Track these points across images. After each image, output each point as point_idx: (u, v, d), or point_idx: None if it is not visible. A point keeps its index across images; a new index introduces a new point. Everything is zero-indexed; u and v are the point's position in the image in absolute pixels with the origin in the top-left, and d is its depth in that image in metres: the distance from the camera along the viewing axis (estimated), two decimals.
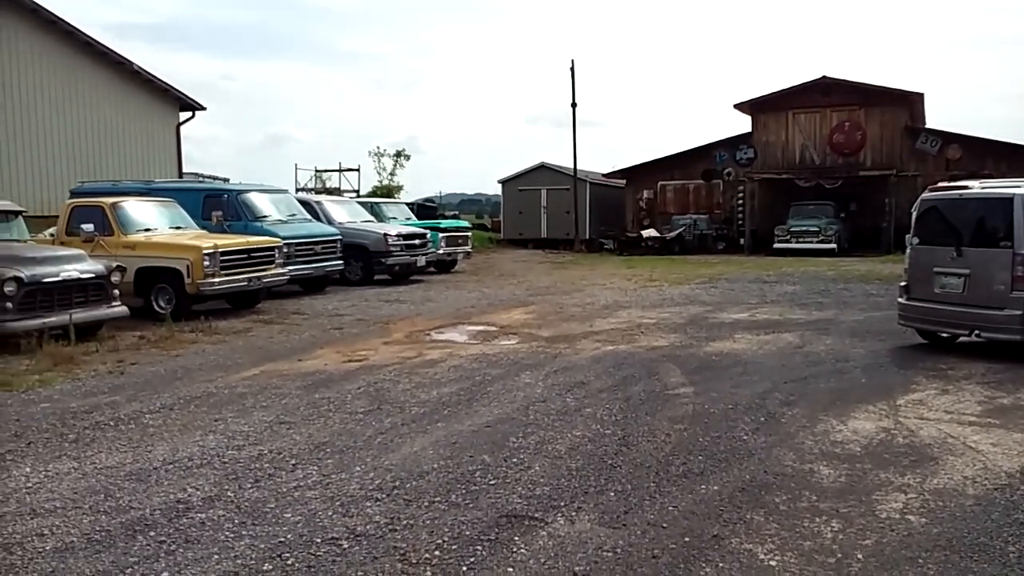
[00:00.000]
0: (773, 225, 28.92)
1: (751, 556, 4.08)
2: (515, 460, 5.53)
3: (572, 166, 34.14)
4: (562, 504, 4.74)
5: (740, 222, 31.58)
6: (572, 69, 34.57)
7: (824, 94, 30.86)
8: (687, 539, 4.26)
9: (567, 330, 11.31)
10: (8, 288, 9.64)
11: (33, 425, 6.47)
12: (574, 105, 34.72)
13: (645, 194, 33.95)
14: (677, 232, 31.07)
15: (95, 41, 23.55)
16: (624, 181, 34.82)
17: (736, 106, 32.14)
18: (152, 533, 4.31)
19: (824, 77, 30.54)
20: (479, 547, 4.15)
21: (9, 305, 9.66)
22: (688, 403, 7.11)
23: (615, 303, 14.53)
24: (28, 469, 5.39)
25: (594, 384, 7.85)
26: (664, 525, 4.44)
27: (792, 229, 28.16)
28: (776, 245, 28.05)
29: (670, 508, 4.69)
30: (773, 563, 3.99)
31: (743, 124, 33.21)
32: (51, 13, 22.25)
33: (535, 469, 5.36)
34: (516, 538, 4.27)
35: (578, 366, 8.73)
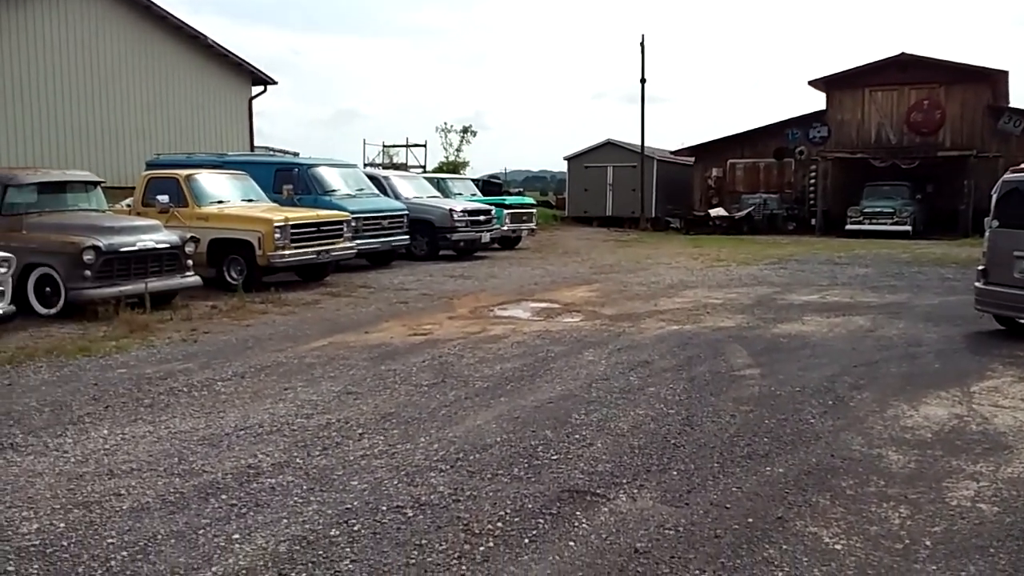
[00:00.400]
0: (846, 206, 28.22)
1: (816, 539, 4.03)
2: (577, 436, 5.54)
3: (639, 143, 33.78)
4: (624, 481, 4.75)
5: (812, 202, 30.90)
6: (642, 44, 34.15)
7: (902, 71, 29.89)
8: (750, 520, 4.24)
9: (631, 309, 11.26)
10: (87, 256, 9.97)
11: (111, 389, 6.70)
12: (643, 81, 34.31)
13: (714, 172, 33.42)
14: (746, 211, 30.56)
15: (171, 15, 24.05)
16: (692, 159, 34.32)
17: (811, 83, 31.38)
18: (224, 496, 4.44)
19: (903, 53, 29.58)
20: (541, 520, 4.19)
21: (88, 273, 10.00)
22: (754, 385, 7.03)
23: (680, 282, 14.40)
24: (106, 431, 5.59)
25: (658, 363, 7.81)
26: (727, 505, 4.42)
27: (866, 210, 27.45)
28: (849, 226, 27.39)
29: (734, 489, 4.66)
30: (838, 547, 3.94)
31: (817, 101, 32.50)
32: None
33: (597, 446, 5.37)
34: (578, 513, 4.30)
35: (642, 345, 8.68)
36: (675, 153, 35.65)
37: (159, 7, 23.64)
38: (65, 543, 3.86)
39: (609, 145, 35.72)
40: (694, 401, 6.46)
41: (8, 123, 20.29)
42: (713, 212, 30.82)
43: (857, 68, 30.42)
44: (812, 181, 31.15)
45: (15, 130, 20.46)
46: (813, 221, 29.90)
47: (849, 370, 7.59)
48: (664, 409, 6.24)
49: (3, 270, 8.89)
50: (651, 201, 34.16)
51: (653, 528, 4.12)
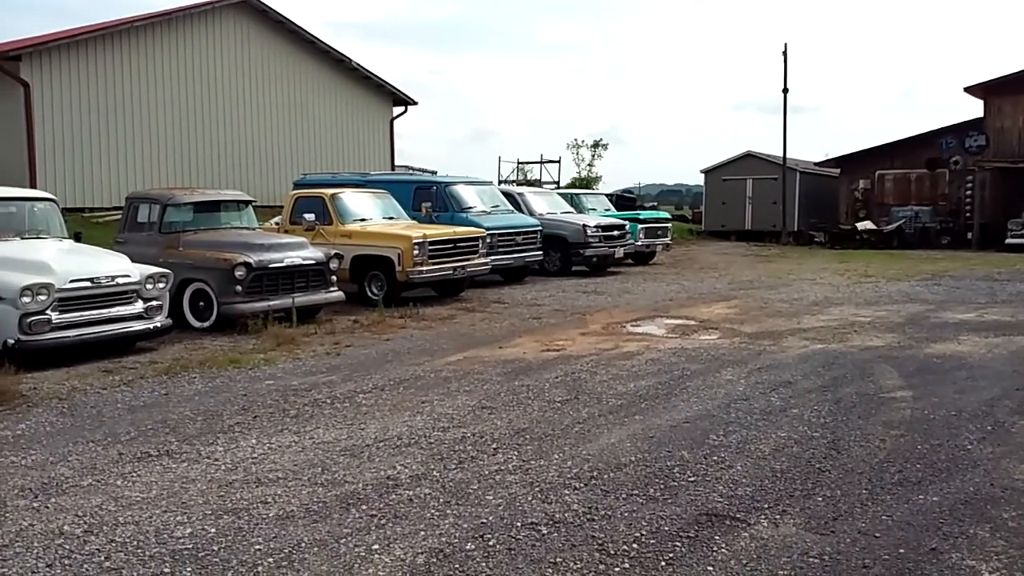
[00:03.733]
0: (1005, 219, 26.46)
1: (974, 573, 3.78)
2: (715, 458, 5.39)
3: (781, 155, 32.82)
4: (765, 506, 4.58)
5: (968, 215, 29.15)
6: (784, 53, 33.20)
7: None
8: (902, 551, 4.00)
9: (772, 326, 10.90)
10: (239, 272, 10.49)
11: (258, 400, 7.01)
12: (785, 91, 33.34)
13: (861, 184, 32.05)
14: (896, 225, 29.14)
15: (317, 39, 25.19)
16: (838, 170, 33.03)
17: (967, 89, 29.68)
18: (364, 507, 4.55)
19: None
20: (678, 543, 4.09)
21: (239, 288, 10.52)
22: (905, 408, 6.66)
23: (825, 299, 13.85)
24: (254, 441, 5.84)
25: (801, 384, 7.52)
26: (877, 535, 4.19)
27: None
28: (1009, 240, 25.66)
29: (883, 517, 4.41)
30: None
31: (973, 109, 30.62)
32: (278, 14, 24.05)
33: (736, 469, 5.20)
34: (716, 537, 4.17)
35: (784, 364, 8.39)
36: (819, 164, 34.44)
37: (307, 32, 24.82)
38: (215, 548, 4.04)
39: (749, 157, 34.85)
40: (840, 424, 6.17)
41: (165, 145, 21.73)
42: (860, 225, 29.55)
43: (1018, 73, 28.56)
44: (968, 192, 29.40)
45: (172, 151, 21.87)
46: (969, 235, 28.18)
47: (1010, 393, 7.09)
48: (808, 432, 5.99)
49: (161, 285, 9.47)
50: (793, 214, 33.07)
51: (796, 556, 3.95)
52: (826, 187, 33.60)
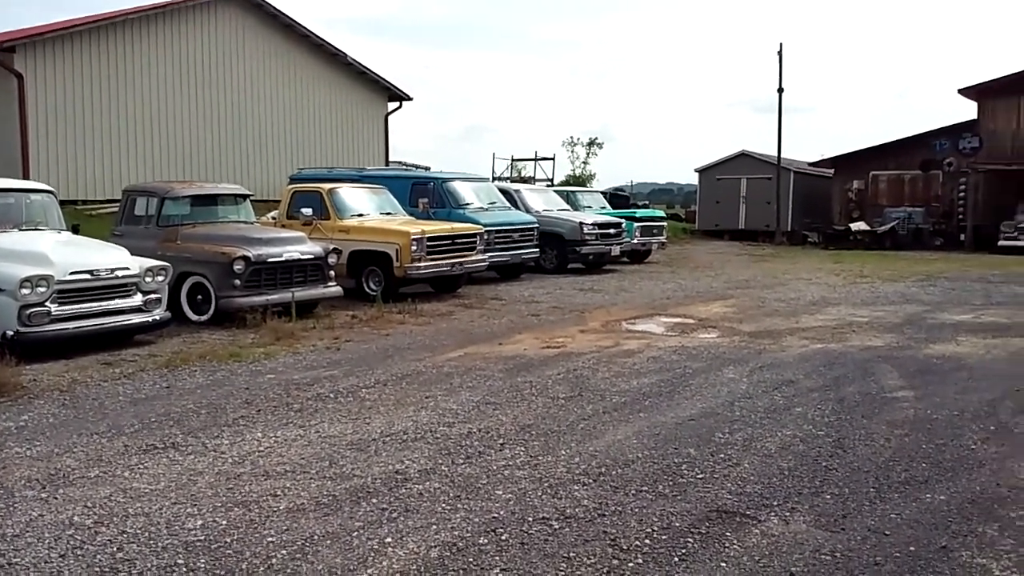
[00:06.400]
0: (998, 221, 26.61)
1: (985, 571, 3.81)
2: (722, 456, 5.40)
3: (776, 154, 32.90)
4: (775, 503, 4.59)
5: (961, 217, 29.29)
6: (780, 52, 33.27)
7: None
8: (912, 548, 4.02)
9: (771, 325, 10.93)
10: (237, 266, 10.44)
11: (261, 394, 6.98)
12: (780, 90, 33.43)
13: (855, 185, 32.15)
14: (890, 226, 29.26)
15: (312, 33, 25.09)
16: (832, 171, 33.13)
17: (961, 91, 29.78)
18: (374, 500, 4.55)
19: None
20: (690, 539, 4.10)
21: (237, 282, 10.47)
22: (908, 407, 6.69)
23: (822, 299, 13.89)
24: (259, 434, 5.82)
25: (803, 383, 7.54)
26: (887, 532, 4.21)
27: (1021, 225, 25.83)
28: (1001, 243, 25.80)
29: (892, 515, 4.43)
30: None
31: (967, 111, 30.75)
32: (273, 7, 23.97)
33: (744, 466, 5.21)
34: (728, 534, 4.18)
35: (785, 363, 8.41)
36: (813, 165, 34.52)
37: (301, 25, 24.72)
38: (228, 540, 4.03)
39: (743, 156, 34.93)
40: (844, 423, 6.19)
41: (160, 137, 21.63)
42: (854, 226, 29.65)
43: (1012, 75, 28.69)
44: (962, 194, 29.54)
45: (169, 145, 21.77)
46: (962, 236, 28.33)
47: (1011, 394, 7.12)
48: (812, 431, 6.01)
49: (160, 278, 9.43)
50: (787, 214, 33.18)
51: (808, 553, 3.96)
52: (820, 187, 33.70)
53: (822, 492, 4.78)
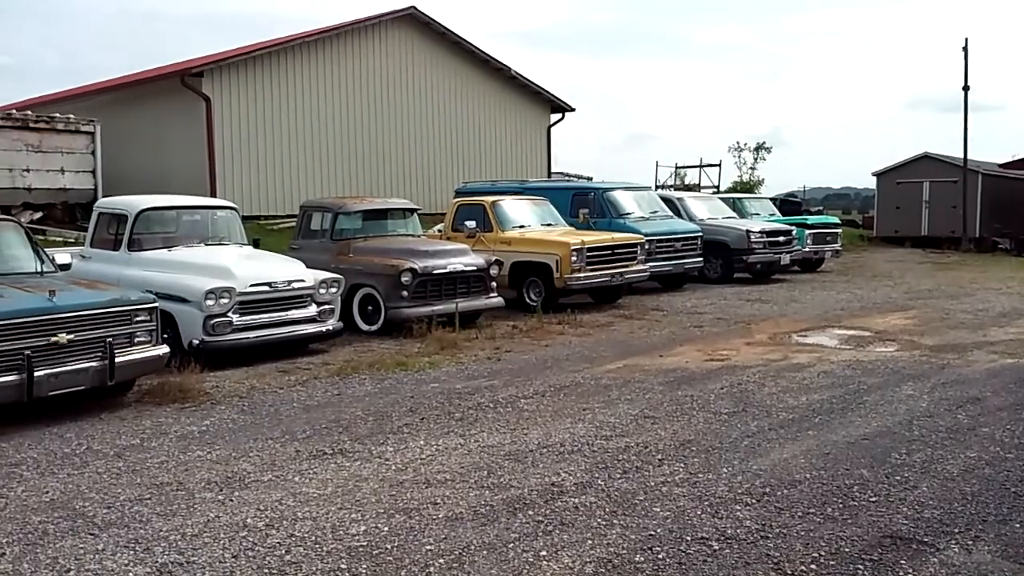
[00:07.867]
0: None
1: None
2: (898, 478, 5.07)
3: (962, 156, 30.79)
4: (956, 531, 4.26)
5: None
6: (965, 48, 31.19)
7: None
8: None
9: (955, 339, 10.20)
10: (405, 278, 10.79)
11: (425, 402, 7.16)
12: (966, 88, 31.30)
13: None
14: None
15: (478, 49, 25.67)
16: None
17: None
18: (530, 512, 4.55)
19: None
20: (860, 566, 3.86)
21: (405, 294, 10.82)
22: None
23: (1014, 310, 12.84)
24: (422, 442, 5.97)
25: (991, 401, 6.98)
26: None
27: None
28: None
29: None
30: None
31: None
32: (442, 25, 24.68)
33: (922, 490, 4.87)
34: (903, 562, 3.91)
35: (970, 380, 7.82)
36: (1005, 166, 32.06)
37: (467, 42, 25.35)
38: (388, 546, 4.14)
39: (926, 159, 32.87)
40: None
41: (334, 155, 22.66)
42: None
43: None
44: None
45: (341, 161, 22.80)
46: None
47: None
48: (1000, 453, 5.55)
49: (333, 290, 9.87)
50: (975, 219, 30.94)
51: None
52: (1013, 190, 31.22)
53: (1010, 520, 4.39)
